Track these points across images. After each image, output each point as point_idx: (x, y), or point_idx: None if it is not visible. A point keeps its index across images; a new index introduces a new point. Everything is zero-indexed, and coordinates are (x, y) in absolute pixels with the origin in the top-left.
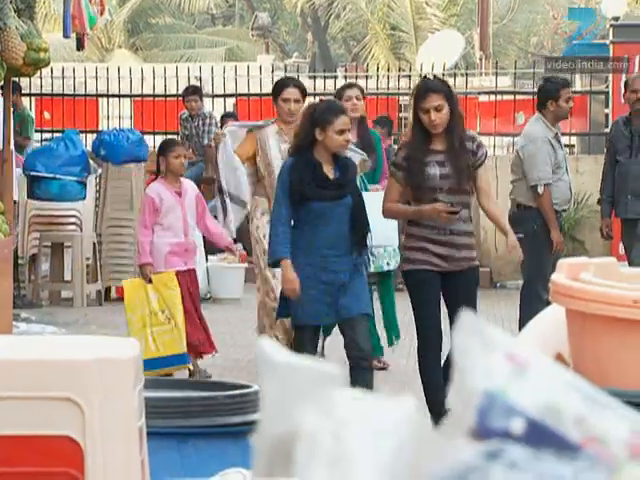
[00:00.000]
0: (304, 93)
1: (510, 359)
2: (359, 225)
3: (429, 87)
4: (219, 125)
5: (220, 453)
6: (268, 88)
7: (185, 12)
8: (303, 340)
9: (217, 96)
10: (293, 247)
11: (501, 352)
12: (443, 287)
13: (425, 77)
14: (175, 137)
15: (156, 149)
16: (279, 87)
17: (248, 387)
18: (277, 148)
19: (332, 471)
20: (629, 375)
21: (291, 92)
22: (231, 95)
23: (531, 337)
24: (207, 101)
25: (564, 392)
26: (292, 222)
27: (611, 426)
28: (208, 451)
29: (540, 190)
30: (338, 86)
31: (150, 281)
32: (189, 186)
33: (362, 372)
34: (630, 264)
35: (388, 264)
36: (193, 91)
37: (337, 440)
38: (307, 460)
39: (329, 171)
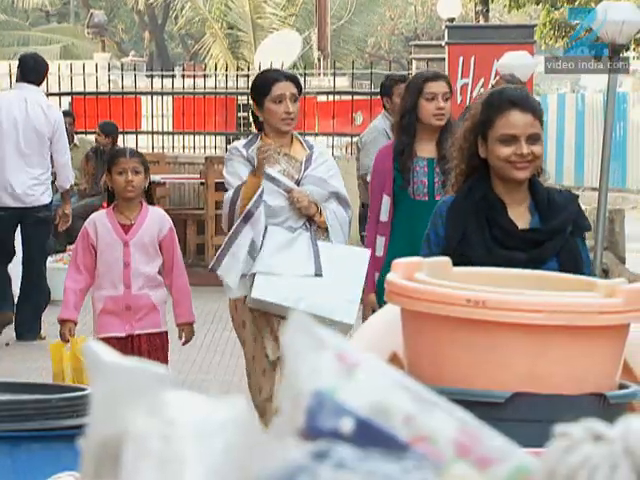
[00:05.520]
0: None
1: (340, 359)
2: None
3: None
4: None
5: (54, 457)
6: (105, 87)
7: (19, 9)
8: None
9: (52, 94)
10: None
11: (331, 352)
12: None
13: None
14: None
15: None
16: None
17: (83, 389)
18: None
19: (160, 473)
20: (462, 373)
21: (283, 86)
22: (67, 94)
23: (366, 337)
24: None
25: (393, 391)
26: None
27: (440, 425)
28: (42, 455)
29: (369, 179)
30: (176, 85)
31: (67, 342)
32: (155, 218)
33: None
34: None
35: None
36: None
37: (165, 442)
38: (135, 462)
39: (520, 216)
